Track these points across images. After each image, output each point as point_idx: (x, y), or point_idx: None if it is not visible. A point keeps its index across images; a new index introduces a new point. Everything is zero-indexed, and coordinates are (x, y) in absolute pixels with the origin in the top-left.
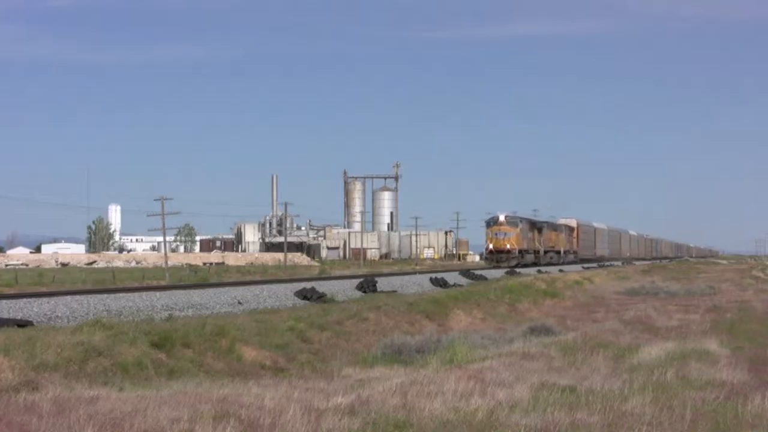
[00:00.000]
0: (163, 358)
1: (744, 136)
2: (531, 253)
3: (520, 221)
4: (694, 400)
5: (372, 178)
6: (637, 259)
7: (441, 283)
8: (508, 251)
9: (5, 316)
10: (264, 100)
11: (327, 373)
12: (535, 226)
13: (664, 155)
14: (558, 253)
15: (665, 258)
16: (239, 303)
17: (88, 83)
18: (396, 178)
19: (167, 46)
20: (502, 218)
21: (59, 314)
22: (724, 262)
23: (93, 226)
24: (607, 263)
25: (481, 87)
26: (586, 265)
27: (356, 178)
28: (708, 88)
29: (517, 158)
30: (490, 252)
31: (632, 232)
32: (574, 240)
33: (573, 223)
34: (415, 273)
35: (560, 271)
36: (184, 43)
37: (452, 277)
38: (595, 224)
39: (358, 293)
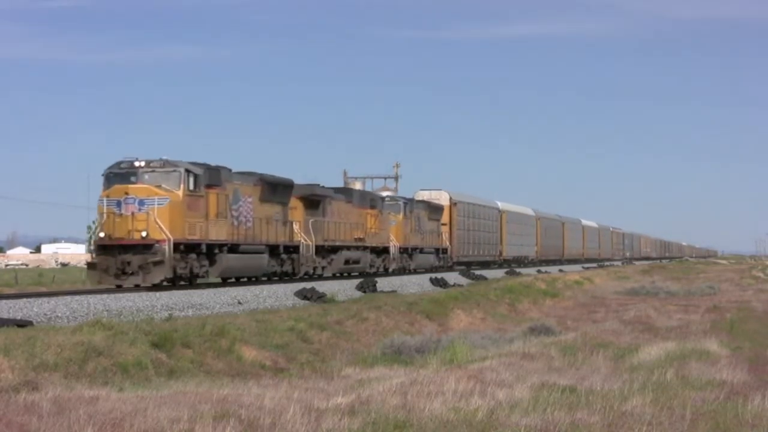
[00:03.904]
0: (163, 358)
1: (744, 136)
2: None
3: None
4: (694, 400)
5: (372, 178)
6: (594, 261)
7: (441, 283)
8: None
9: (5, 316)
10: (264, 100)
11: (327, 373)
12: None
13: (664, 155)
14: (374, 252)
15: (645, 259)
16: (239, 303)
17: (88, 83)
18: (396, 178)
19: (167, 46)
20: (140, 164)
21: (59, 314)
22: (724, 262)
23: (93, 226)
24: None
25: (481, 87)
26: (586, 265)
27: (356, 178)
28: (708, 87)
29: (517, 158)
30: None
31: (589, 223)
32: (444, 230)
33: (441, 199)
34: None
35: (560, 270)
36: (184, 43)
37: (452, 277)
38: (501, 204)
39: (358, 293)
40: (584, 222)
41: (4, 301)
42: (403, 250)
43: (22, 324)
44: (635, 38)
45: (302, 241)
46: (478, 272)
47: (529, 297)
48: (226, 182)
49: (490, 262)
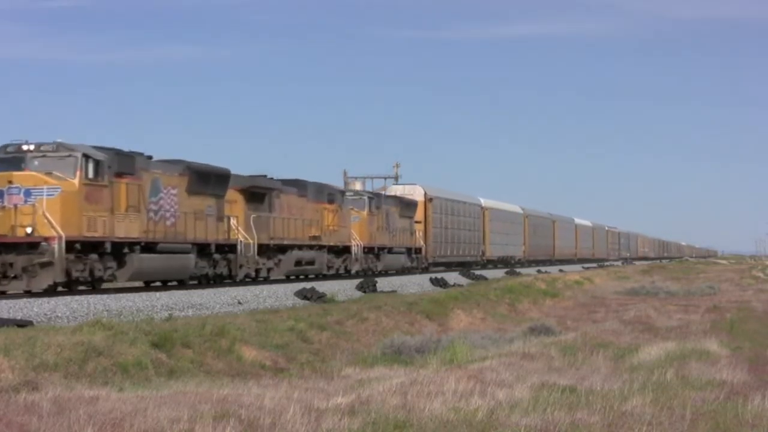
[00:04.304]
0: (163, 358)
1: (744, 136)
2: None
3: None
4: (694, 400)
5: (372, 178)
6: (588, 261)
7: (441, 283)
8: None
9: (5, 316)
10: (263, 100)
11: (327, 373)
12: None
13: (664, 155)
14: (332, 252)
15: (642, 259)
16: (239, 303)
17: (88, 83)
18: (396, 178)
19: (167, 46)
20: (29, 147)
21: (59, 314)
22: (724, 262)
23: None
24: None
25: (481, 87)
26: (586, 265)
27: (356, 178)
28: (708, 87)
29: (517, 158)
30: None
31: (582, 221)
32: (419, 228)
33: (415, 194)
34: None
35: (560, 270)
36: (184, 43)
37: (452, 277)
38: (484, 201)
39: (358, 293)
40: (577, 221)
41: (4, 301)
42: (369, 250)
43: (22, 324)
44: (635, 38)
45: (240, 239)
46: (478, 272)
47: (529, 297)
48: (142, 170)
49: (472, 262)
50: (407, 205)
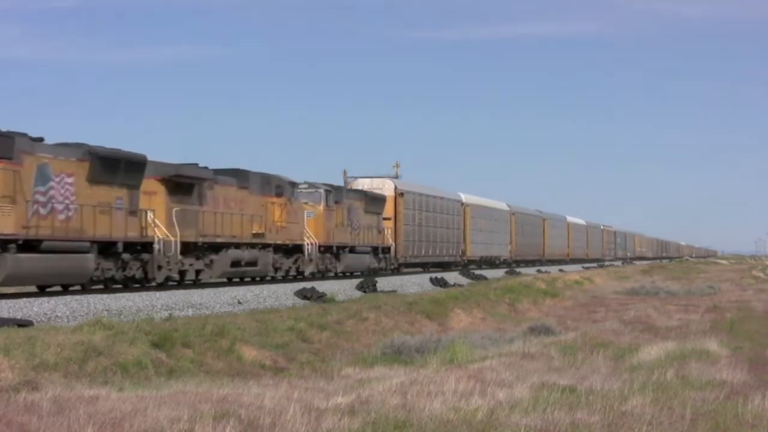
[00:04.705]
0: (163, 357)
1: (744, 136)
2: None
3: None
4: (694, 400)
5: (371, 178)
6: (581, 261)
7: (441, 283)
8: None
9: (5, 316)
10: (263, 100)
11: (327, 373)
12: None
13: (664, 154)
14: (281, 251)
15: (640, 259)
16: (239, 303)
17: (88, 83)
18: (396, 178)
19: (167, 46)
20: None
21: (59, 314)
22: (724, 262)
23: None
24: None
25: (481, 87)
26: (586, 265)
27: (356, 177)
28: (708, 86)
29: (517, 158)
30: None
31: (575, 220)
32: (388, 225)
33: (384, 188)
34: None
35: (560, 270)
36: (184, 43)
37: (452, 277)
38: (465, 197)
39: (358, 293)
40: (570, 219)
41: (4, 301)
42: (326, 249)
43: (22, 324)
44: (635, 38)
45: (159, 236)
46: (478, 272)
47: (529, 297)
48: (23, 154)
49: (450, 263)
50: (374, 200)
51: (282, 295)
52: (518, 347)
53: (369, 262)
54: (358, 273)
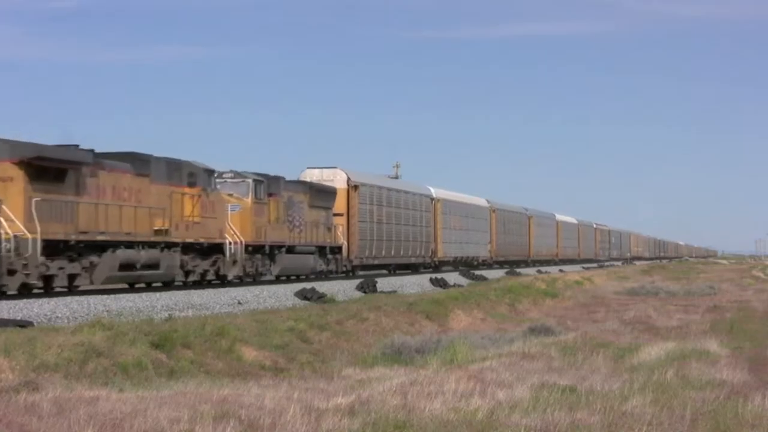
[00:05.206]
0: (163, 358)
1: (744, 136)
2: None
3: None
4: (694, 400)
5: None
6: (571, 262)
7: (441, 284)
8: None
9: (5, 316)
10: (263, 100)
11: (327, 374)
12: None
13: (664, 155)
14: (194, 251)
15: (636, 259)
16: (239, 303)
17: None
18: (396, 179)
19: (167, 46)
20: None
21: (59, 315)
22: (724, 262)
23: None
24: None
25: (481, 87)
26: (586, 266)
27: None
28: (708, 86)
29: (517, 157)
30: None
31: (565, 218)
32: (339, 222)
33: (335, 180)
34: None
35: (560, 270)
36: (184, 43)
37: (452, 277)
38: (435, 191)
39: (358, 293)
40: (559, 216)
41: (4, 301)
42: (256, 249)
43: (22, 324)
44: (635, 38)
45: (9, 232)
46: (478, 272)
47: (529, 297)
48: None
49: (418, 264)
50: (321, 193)
51: (282, 295)
52: (518, 347)
53: (313, 264)
54: (303, 277)
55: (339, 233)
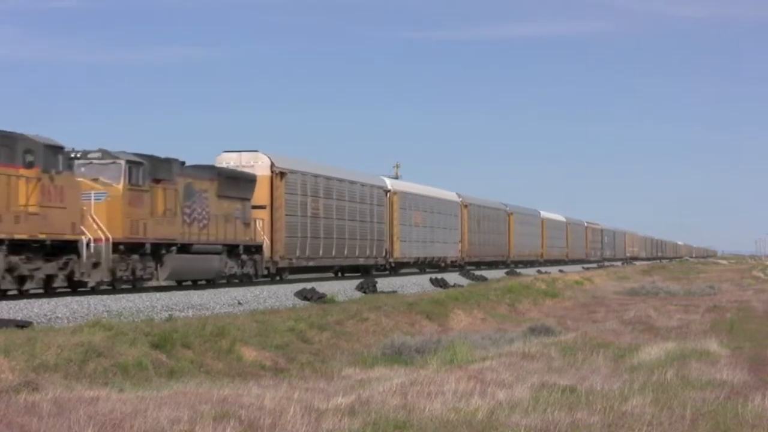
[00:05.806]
0: (163, 358)
1: (744, 136)
2: None
3: None
4: (694, 400)
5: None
6: (558, 263)
7: (441, 284)
8: None
9: (5, 316)
10: (262, 100)
11: (327, 374)
12: None
13: (664, 154)
14: (29, 250)
15: (632, 260)
16: (239, 303)
17: (88, 83)
18: (396, 179)
19: (167, 47)
20: None
21: (59, 315)
22: (724, 262)
23: None
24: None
25: (481, 87)
26: (586, 266)
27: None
28: (708, 86)
29: (517, 157)
30: None
31: (551, 215)
32: (261, 216)
33: (256, 166)
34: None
35: (560, 271)
36: (184, 43)
37: (452, 278)
38: (391, 182)
39: (358, 293)
40: (545, 214)
41: (4, 301)
42: (132, 248)
43: (22, 324)
44: (634, 38)
45: None
46: (478, 272)
47: (529, 297)
48: None
49: (369, 266)
50: (234, 181)
51: (282, 295)
52: (518, 347)
53: (219, 266)
54: (202, 281)
55: (260, 229)
